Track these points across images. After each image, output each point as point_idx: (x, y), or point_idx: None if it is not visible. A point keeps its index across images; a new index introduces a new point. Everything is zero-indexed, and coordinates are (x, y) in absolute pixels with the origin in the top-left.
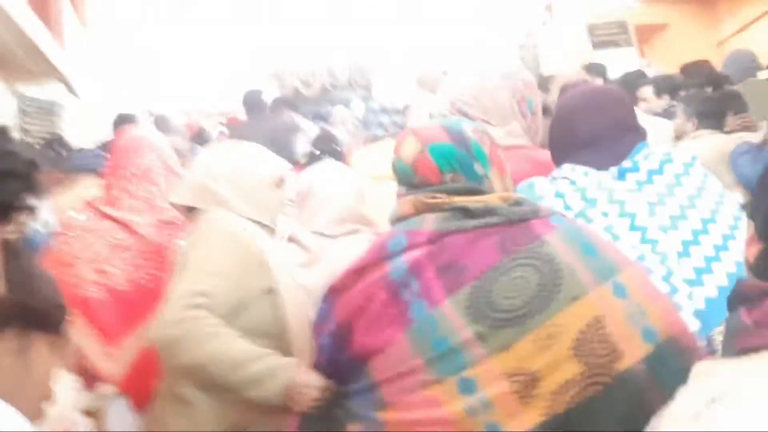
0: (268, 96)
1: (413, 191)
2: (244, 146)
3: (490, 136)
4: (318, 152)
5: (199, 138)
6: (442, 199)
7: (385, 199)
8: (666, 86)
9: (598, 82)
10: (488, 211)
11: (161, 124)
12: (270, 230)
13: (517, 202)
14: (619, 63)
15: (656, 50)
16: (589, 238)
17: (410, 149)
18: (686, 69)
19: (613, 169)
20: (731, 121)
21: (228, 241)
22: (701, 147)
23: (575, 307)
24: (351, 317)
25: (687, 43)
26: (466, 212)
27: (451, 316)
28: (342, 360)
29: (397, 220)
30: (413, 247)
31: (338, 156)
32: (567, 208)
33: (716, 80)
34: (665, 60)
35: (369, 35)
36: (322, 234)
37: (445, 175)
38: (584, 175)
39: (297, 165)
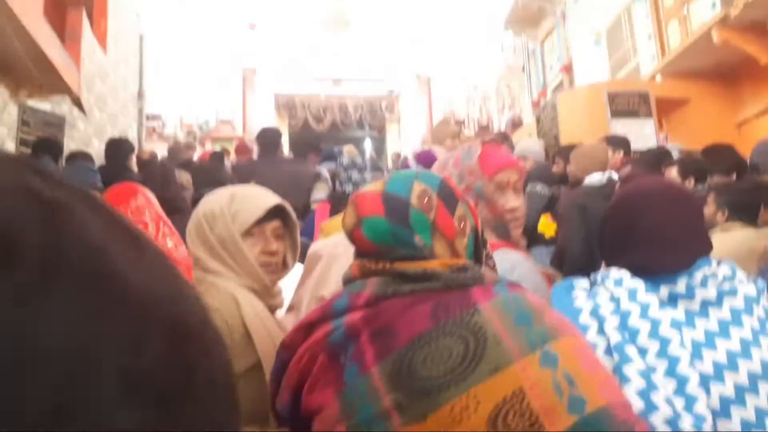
0: (283, 135)
1: (360, 255)
2: (219, 193)
3: (446, 188)
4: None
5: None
6: (384, 264)
7: None
8: (692, 170)
9: (619, 155)
10: (426, 276)
11: (174, 151)
12: (262, 289)
13: (462, 269)
14: (636, 133)
15: (675, 124)
16: (527, 306)
17: (349, 220)
18: (709, 152)
19: (664, 291)
20: (764, 214)
21: None
22: (732, 240)
23: (496, 378)
24: (299, 375)
25: (707, 121)
26: (405, 277)
27: (377, 382)
28: (296, 418)
29: (346, 281)
30: (353, 309)
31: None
32: (600, 332)
33: (741, 167)
34: (683, 135)
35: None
36: (324, 299)
37: (380, 247)
38: (630, 296)
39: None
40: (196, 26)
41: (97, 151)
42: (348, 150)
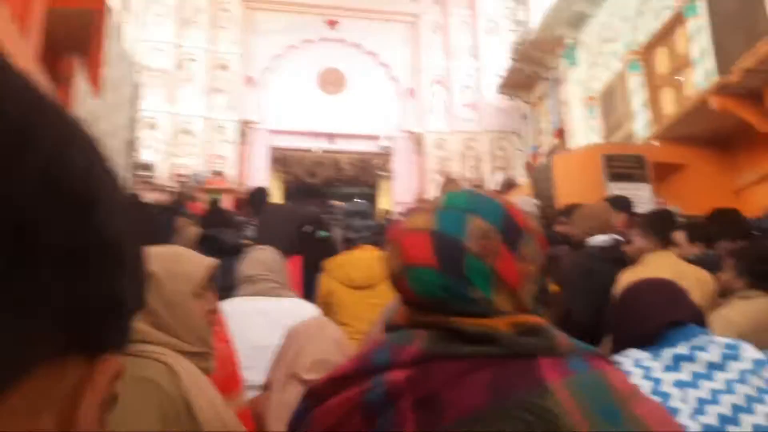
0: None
1: (406, 303)
2: (156, 254)
3: (509, 222)
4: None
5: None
6: (436, 317)
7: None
8: (700, 234)
9: (622, 217)
10: (488, 338)
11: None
12: (205, 353)
13: (530, 330)
14: (632, 198)
15: (671, 189)
16: (612, 392)
17: (393, 264)
18: (716, 216)
19: (668, 355)
20: None
21: (145, 395)
22: (754, 309)
23: None
24: (327, 430)
25: (703, 186)
26: (461, 336)
27: None
28: None
29: (389, 328)
30: (396, 366)
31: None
32: None
33: (748, 233)
34: (680, 200)
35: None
36: (300, 378)
37: (429, 300)
38: (634, 363)
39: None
40: (194, 77)
41: None
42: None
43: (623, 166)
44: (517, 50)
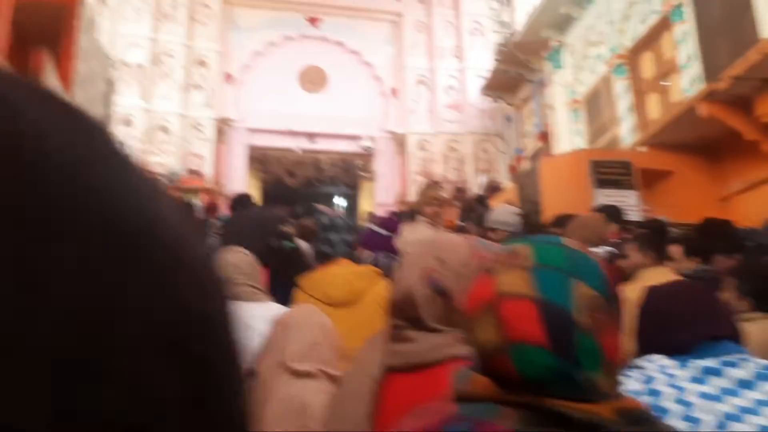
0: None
1: (492, 376)
2: None
3: (610, 288)
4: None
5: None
6: (533, 399)
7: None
8: (697, 249)
9: (613, 227)
10: (592, 427)
11: None
12: None
13: (636, 420)
14: (619, 204)
15: (657, 196)
16: None
17: (488, 336)
18: (708, 229)
19: (696, 366)
20: None
21: None
22: (759, 332)
23: None
24: None
25: (690, 194)
26: (563, 420)
27: None
28: None
29: (463, 397)
30: None
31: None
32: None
33: (742, 246)
34: (666, 207)
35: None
36: (290, 368)
37: (531, 381)
38: (659, 369)
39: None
40: (171, 73)
41: None
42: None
43: (610, 172)
44: (501, 51)
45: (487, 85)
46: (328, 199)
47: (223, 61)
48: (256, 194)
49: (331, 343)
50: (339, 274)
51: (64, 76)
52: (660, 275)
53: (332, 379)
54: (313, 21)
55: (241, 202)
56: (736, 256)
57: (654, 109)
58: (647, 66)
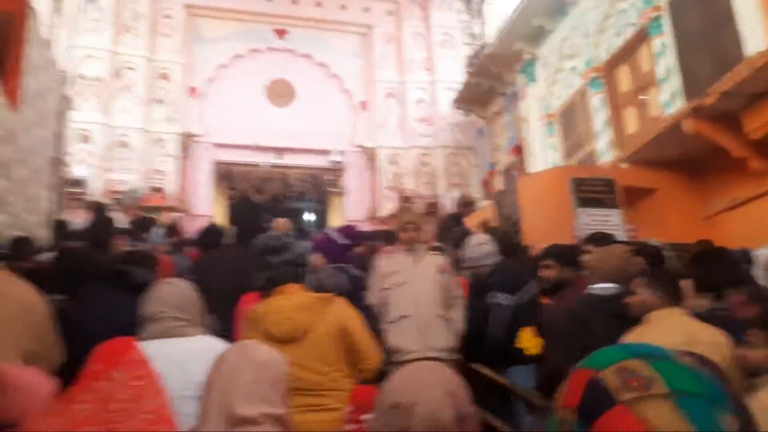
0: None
1: None
2: None
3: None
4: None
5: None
6: None
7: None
8: (710, 286)
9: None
10: None
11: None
12: None
13: None
14: (602, 223)
15: (641, 214)
16: None
17: None
18: (710, 260)
19: None
20: None
21: None
22: None
23: None
24: None
25: (674, 212)
26: None
27: None
28: None
29: None
30: None
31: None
32: None
33: (742, 275)
34: (650, 226)
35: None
36: (235, 415)
37: None
38: None
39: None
40: (132, 86)
41: None
42: (282, 225)
43: (593, 190)
44: (473, 64)
45: (458, 98)
46: (296, 215)
47: (186, 74)
48: (221, 212)
49: (273, 378)
50: (279, 310)
51: (11, 92)
52: (672, 319)
53: (278, 420)
54: (280, 33)
55: (210, 238)
56: (744, 290)
57: (631, 123)
58: (624, 79)
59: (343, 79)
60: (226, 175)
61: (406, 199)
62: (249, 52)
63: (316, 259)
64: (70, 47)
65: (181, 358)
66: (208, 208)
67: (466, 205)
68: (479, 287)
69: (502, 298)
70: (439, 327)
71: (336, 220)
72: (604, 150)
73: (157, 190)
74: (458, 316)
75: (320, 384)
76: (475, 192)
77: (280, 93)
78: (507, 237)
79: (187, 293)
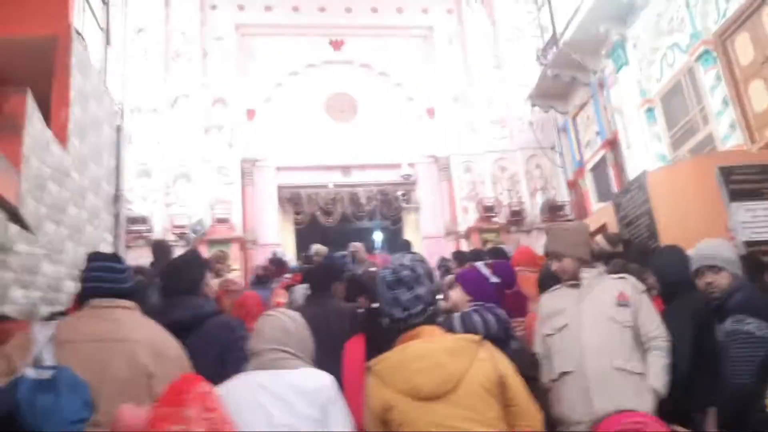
0: None
1: None
2: None
3: None
4: None
5: None
6: None
7: None
8: None
9: None
10: None
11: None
12: None
13: None
14: (763, 220)
15: None
16: None
17: None
18: None
19: None
20: None
21: None
22: None
23: None
24: None
25: None
26: None
27: None
28: None
29: None
30: None
31: None
32: None
33: None
34: None
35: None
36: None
37: None
38: None
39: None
40: (188, 115)
41: (50, 276)
42: (356, 250)
43: (747, 180)
44: (548, 55)
45: (534, 93)
46: (367, 236)
47: (242, 96)
48: (289, 238)
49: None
50: (426, 355)
51: (59, 125)
52: None
53: None
54: (336, 45)
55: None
56: None
57: (760, 98)
58: (744, 49)
59: (407, 86)
60: (291, 199)
61: (486, 209)
62: (305, 68)
63: (456, 295)
64: (119, 78)
65: (280, 390)
66: (274, 235)
67: (553, 210)
68: (703, 311)
69: (755, 327)
70: (619, 385)
71: (412, 238)
72: (726, 133)
73: (223, 221)
74: (659, 364)
75: None
76: (562, 195)
77: (341, 107)
78: (642, 245)
79: (290, 324)
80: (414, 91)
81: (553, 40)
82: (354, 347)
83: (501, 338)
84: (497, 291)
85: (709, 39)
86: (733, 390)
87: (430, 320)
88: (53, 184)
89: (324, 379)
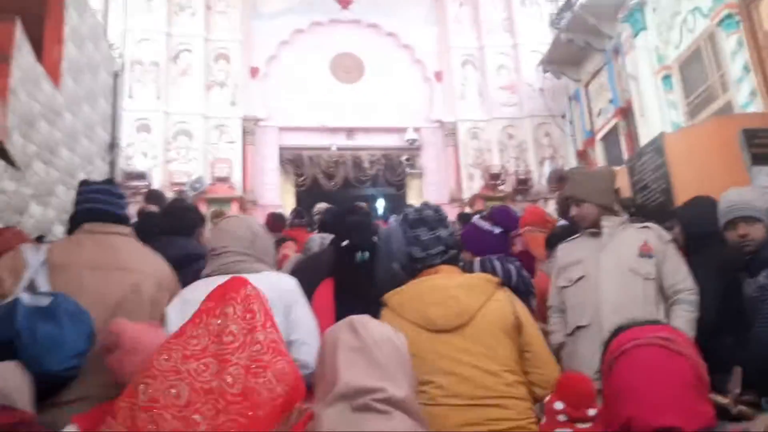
0: None
1: None
2: None
3: None
4: None
5: None
6: None
7: None
8: None
9: None
10: None
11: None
12: None
13: None
14: None
15: None
16: None
17: None
18: None
19: None
20: None
21: None
22: None
23: None
24: None
25: None
26: None
27: None
28: None
29: None
30: None
31: None
32: None
33: None
34: None
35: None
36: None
37: None
38: None
39: None
40: (190, 70)
41: (38, 219)
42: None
43: None
44: (563, 19)
45: (546, 59)
46: (370, 203)
47: (246, 53)
48: (290, 200)
49: (392, 357)
50: (441, 288)
51: (50, 63)
52: None
53: (399, 403)
54: (344, 3)
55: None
56: None
57: None
58: None
59: (415, 48)
60: (294, 161)
61: (492, 177)
62: (311, 26)
63: (465, 257)
64: (122, 31)
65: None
66: (275, 197)
67: (561, 179)
68: (733, 265)
69: None
70: None
71: (416, 203)
72: (746, 100)
73: (222, 180)
74: (686, 318)
75: (494, 388)
76: (571, 164)
77: (347, 68)
78: (644, 207)
79: (253, 226)
80: (422, 53)
81: (569, 3)
82: (321, 292)
83: (521, 291)
84: (499, 239)
85: (733, 2)
86: (765, 347)
87: (450, 262)
88: (44, 122)
89: (289, 283)
